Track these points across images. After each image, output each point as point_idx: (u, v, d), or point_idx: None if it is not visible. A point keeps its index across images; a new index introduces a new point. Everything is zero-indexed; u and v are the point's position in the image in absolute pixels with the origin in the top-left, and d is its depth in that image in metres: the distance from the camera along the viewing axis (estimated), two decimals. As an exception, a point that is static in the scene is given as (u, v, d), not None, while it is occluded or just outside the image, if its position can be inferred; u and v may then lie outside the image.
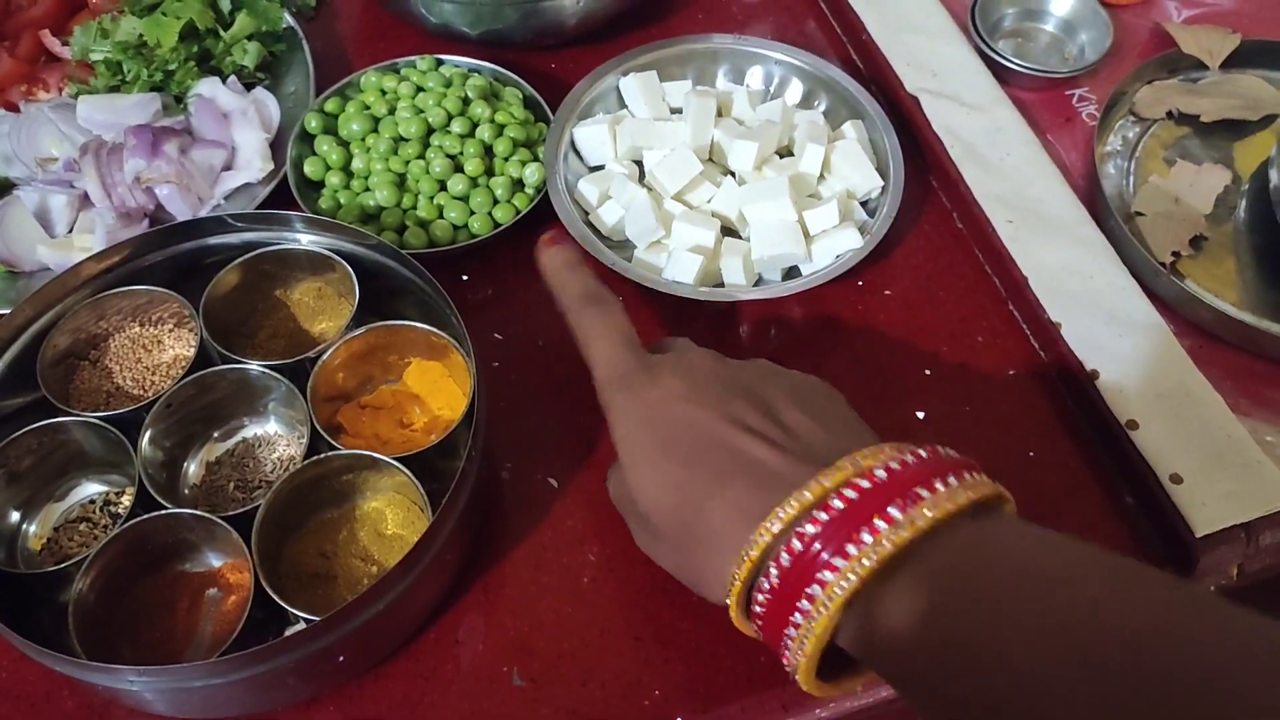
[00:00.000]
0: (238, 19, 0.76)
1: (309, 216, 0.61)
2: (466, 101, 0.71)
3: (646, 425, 0.48)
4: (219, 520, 0.53)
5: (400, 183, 0.68)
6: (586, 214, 0.69)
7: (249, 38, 0.76)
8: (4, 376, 0.58)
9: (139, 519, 0.53)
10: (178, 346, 0.62)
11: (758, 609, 0.43)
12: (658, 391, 0.49)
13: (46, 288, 0.58)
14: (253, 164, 0.70)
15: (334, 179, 0.70)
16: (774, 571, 0.42)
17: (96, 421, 0.56)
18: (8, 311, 0.58)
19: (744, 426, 0.47)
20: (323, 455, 0.55)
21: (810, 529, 0.41)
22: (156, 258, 0.62)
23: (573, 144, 0.72)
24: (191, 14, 0.74)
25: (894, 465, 0.42)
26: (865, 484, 0.41)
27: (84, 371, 0.61)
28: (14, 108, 0.74)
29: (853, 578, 0.40)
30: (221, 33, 0.76)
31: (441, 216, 0.68)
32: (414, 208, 0.68)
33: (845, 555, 0.40)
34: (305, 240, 0.62)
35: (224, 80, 0.74)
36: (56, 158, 0.69)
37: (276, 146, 0.72)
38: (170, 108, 0.73)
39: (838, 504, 0.41)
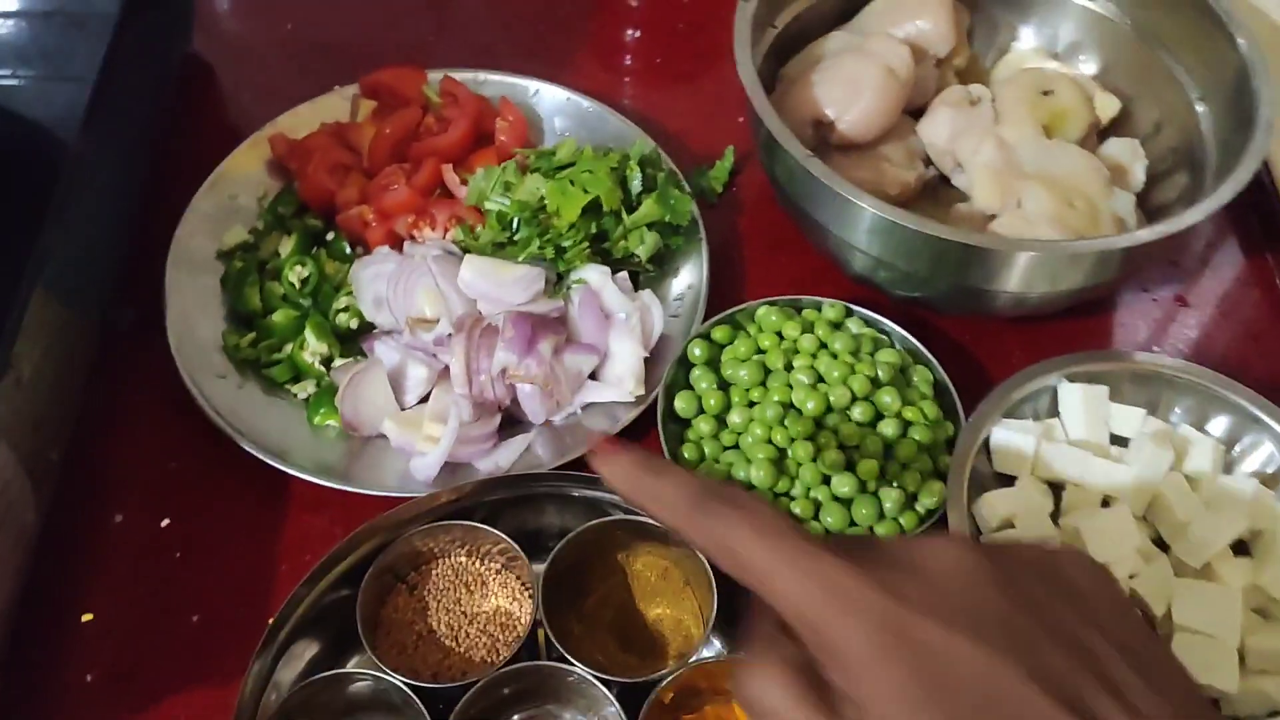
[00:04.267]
0: (643, 203, 0.70)
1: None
2: (875, 383, 0.61)
3: (920, 688, 0.30)
4: None
5: (778, 459, 0.60)
6: (979, 531, 0.58)
7: (648, 225, 0.70)
8: (332, 581, 0.53)
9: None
10: (501, 595, 0.56)
11: None
12: (931, 628, 0.30)
13: (401, 509, 0.54)
14: (624, 383, 0.63)
15: (704, 425, 0.62)
16: None
17: (403, 687, 0.50)
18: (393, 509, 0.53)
19: (1062, 695, 0.30)
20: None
21: None
22: (499, 494, 0.57)
23: (985, 443, 0.61)
24: (600, 190, 0.68)
25: None
26: None
27: (399, 597, 0.55)
28: (395, 238, 0.71)
29: None
30: (624, 216, 0.69)
31: (816, 517, 0.58)
32: (787, 494, 0.59)
33: None
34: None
35: (612, 269, 0.68)
36: (429, 319, 0.64)
37: (650, 361, 0.65)
38: (549, 284, 0.68)
39: None
